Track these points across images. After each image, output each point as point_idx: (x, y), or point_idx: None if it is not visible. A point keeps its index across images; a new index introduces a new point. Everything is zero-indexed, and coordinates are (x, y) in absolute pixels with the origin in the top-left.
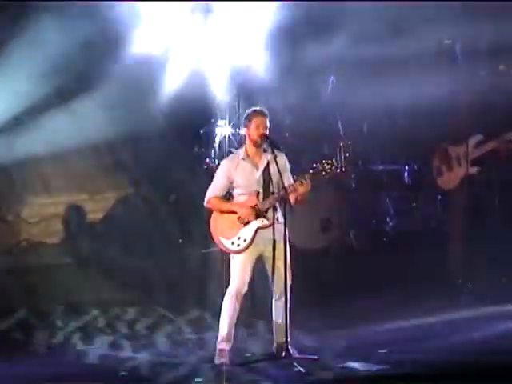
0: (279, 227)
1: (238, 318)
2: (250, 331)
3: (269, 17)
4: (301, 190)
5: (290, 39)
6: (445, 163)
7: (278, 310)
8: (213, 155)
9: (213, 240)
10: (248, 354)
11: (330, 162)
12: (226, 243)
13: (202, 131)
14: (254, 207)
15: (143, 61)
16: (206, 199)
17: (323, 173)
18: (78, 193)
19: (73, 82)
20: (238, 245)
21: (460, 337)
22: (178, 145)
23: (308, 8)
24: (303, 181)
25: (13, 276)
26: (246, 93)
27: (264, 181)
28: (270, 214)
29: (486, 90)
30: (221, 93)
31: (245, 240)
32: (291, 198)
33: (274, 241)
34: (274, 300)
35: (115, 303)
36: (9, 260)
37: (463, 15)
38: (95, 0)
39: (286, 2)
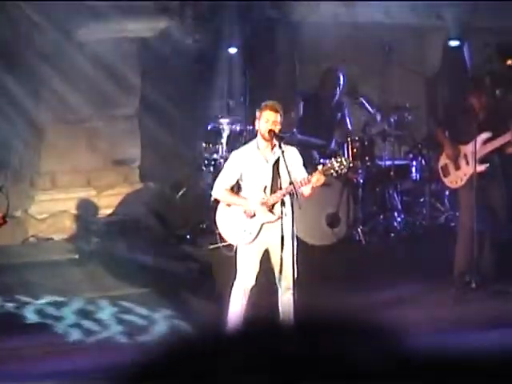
0: (287, 222)
1: (245, 311)
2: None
3: None
4: (313, 183)
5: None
6: (452, 162)
7: (286, 305)
8: (221, 151)
9: (219, 233)
10: None
11: (339, 159)
12: (232, 236)
13: (209, 127)
14: (261, 201)
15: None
16: (213, 190)
17: (332, 170)
18: (87, 188)
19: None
20: (244, 238)
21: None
22: (186, 139)
23: None
24: (313, 177)
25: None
26: (253, 87)
27: (273, 175)
28: (277, 208)
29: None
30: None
31: (251, 233)
32: (303, 192)
33: (282, 236)
34: (280, 295)
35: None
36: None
37: None
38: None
39: None
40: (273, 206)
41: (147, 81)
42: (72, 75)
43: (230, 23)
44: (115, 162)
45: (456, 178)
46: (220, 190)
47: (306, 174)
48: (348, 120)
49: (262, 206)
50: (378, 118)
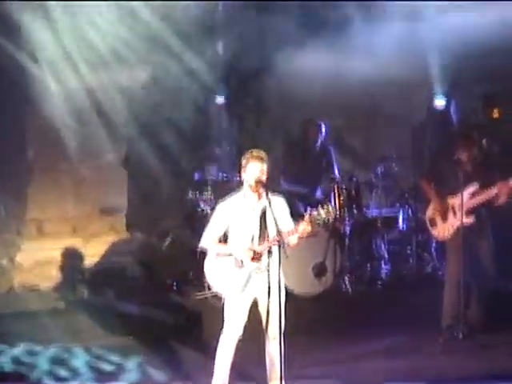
0: (273, 271)
1: (232, 361)
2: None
3: None
4: (300, 233)
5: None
6: (439, 214)
7: (273, 354)
8: (208, 200)
9: (207, 282)
10: None
11: (326, 208)
12: (220, 286)
13: (196, 176)
14: (248, 251)
15: None
16: (201, 241)
17: (319, 220)
18: (73, 237)
19: None
20: (232, 288)
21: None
22: (172, 189)
23: None
24: (299, 227)
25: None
26: (240, 136)
27: (260, 224)
28: (264, 257)
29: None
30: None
31: (239, 283)
32: (290, 241)
33: (269, 285)
34: (267, 343)
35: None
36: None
37: None
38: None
39: None
40: (260, 255)
41: (134, 130)
42: (59, 123)
43: (217, 73)
44: (101, 210)
45: (443, 230)
46: (208, 241)
47: (293, 224)
48: (334, 169)
49: (249, 255)
50: (365, 167)
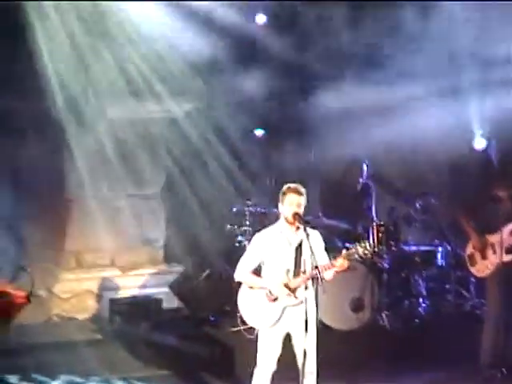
0: (310, 306)
1: None
2: None
3: None
4: (337, 268)
5: None
6: (479, 251)
7: None
8: (246, 233)
9: (241, 315)
10: None
11: (363, 244)
12: (254, 319)
13: (233, 209)
14: (283, 284)
15: None
16: (236, 272)
17: (356, 255)
18: (111, 268)
19: None
20: (266, 321)
21: None
22: (211, 221)
23: None
24: (337, 262)
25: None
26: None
27: (296, 258)
28: (299, 292)
29: None
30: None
31: (272, 317)
32: (325, 276)
33: (306, 320)
34: (301, 379)
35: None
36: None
37: None
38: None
39: None
40: (295, 289)
41: (173, 161)
42: (98, 154)
43: (256, 106)
44: (140, 241)
45: (483, 267)
46: (242, 272)
47: (327, 258)
48: (373, 204)
49: (284, 289)
50: (404, 202)
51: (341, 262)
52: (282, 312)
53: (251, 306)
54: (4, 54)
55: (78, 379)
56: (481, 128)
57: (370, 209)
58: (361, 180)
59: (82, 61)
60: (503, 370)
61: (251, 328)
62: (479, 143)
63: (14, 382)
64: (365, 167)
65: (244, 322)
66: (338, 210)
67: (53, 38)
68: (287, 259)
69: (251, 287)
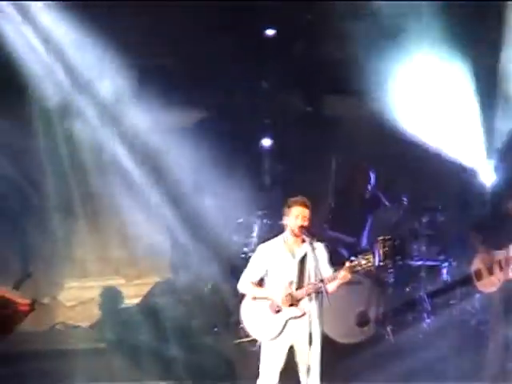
0: (314, 318)
1: None
2: None
3: None
4: (339, 280)
5: None
6: (486, 267)
7: None
8: (251, 244)
9: (243, 327)
10: None
11: (367, 257)
12: (257, 331)
13: (240, 220)
14: (287, 296)
15: None
16: (239, 283)
17: (359, 267)
18: (116, 277)
19: None
20: (269, 333)
21: None
22: (216, 232)
23: None
24: (339, 274)
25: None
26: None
27: (300, 270)
28: (303, 304)
29: None
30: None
31: (275, 329)
32: (328, 289)
33: (311, 332)
34: None
35: None
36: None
37: None
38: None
39: None
40: (298, 301)
41: (178, 172)
42: (105, 166)
43: (264, 116)
44: (144, 251)
45: (490, 283)
46: (246, 283)
47: (331, 270)
48: (379, 218)
49: (287, 300)
50: (411, 216)
51: (344, 274)
52: (285, 324)
53: (254, 317)
54: None
55: None
56: (490, 142)
57: (377, 220)
58: (368, 188)
59: None
60: None
61: (254, 340)
62: (487, 158)
63: None
64: (371, 174)
65: (247, 334)
66: (344, 221)
67: None
68: (291, 271)
69: (254, 298)
